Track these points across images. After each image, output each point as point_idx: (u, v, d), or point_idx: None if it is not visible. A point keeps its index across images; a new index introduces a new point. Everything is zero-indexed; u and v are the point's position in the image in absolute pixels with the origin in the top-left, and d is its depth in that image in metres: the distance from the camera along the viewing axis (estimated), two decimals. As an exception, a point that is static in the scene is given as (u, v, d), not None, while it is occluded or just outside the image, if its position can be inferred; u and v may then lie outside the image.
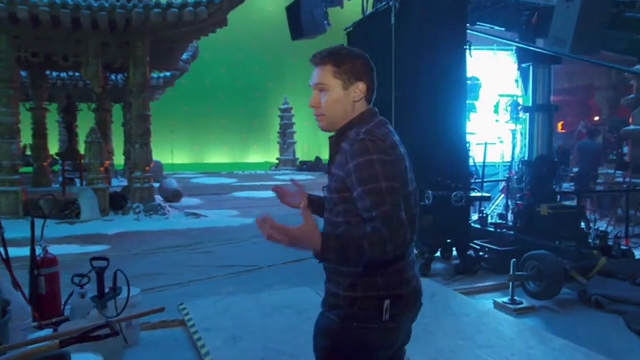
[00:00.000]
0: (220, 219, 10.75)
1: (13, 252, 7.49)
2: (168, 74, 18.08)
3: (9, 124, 9.83)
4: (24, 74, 14.96)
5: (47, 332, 3.49)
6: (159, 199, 11.59)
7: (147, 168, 10.70)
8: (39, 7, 9.01)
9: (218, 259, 7.13)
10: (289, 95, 28.40)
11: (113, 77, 14.22)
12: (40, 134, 13.16)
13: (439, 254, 6.54)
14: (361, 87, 1.77)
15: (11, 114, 9.82)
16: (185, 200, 14.08)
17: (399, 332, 1.77)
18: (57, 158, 12.64)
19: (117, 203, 10.58)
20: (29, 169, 14.48)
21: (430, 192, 6.16)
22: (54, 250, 7.92)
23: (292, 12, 9.93)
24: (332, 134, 1.83)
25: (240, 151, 33.63)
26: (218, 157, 32.95)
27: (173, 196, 13.79)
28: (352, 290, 1.71)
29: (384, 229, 1.54)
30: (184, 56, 15.90)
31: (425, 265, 6.11)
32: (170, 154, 28.35)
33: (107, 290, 3.83)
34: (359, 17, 8.22)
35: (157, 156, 26.66)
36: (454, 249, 6.59)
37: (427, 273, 6.05)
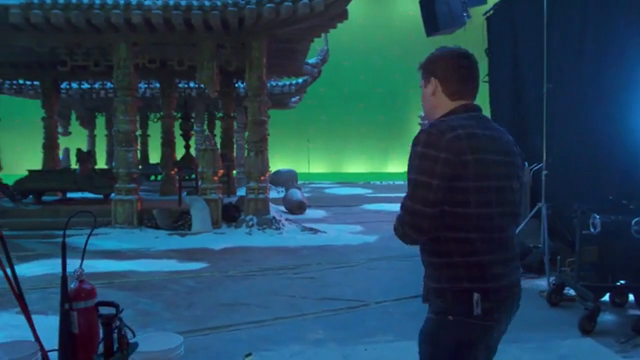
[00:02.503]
0: (339, 235, 9.57)
1: (108, 265, 7.04)
2: (300, 80, 17.52)
3: (127, 131, 9.63)
4: (157, 84, 15.40)
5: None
6: (276, 209, 10.77)
7: (263, 177, 9.90)
8: (152, 10, 8.64)
9: (320, 287, 5.93)
10: (430, 101, 26.64)
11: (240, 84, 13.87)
12: (168, 142, 13.16)
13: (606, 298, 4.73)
14: (434, 82, 1.85)
15: (128, 121, 9.61)
16: (310, 212, 13.19)
17: (494, 330, 1.77)
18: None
19: (230, 215, 9.92)
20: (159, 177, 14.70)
21: (597, 216, 4.38)
22: (149, 265, 7.38)
23: (426, 5, 8.78)
24: None
25: (378, 160, 32.47)
26: (356, 166, 32.13)
27: (297, 208, 12.98)
28: (439, 282, 1.77)
29: (402, 213, 1.77)
30: (312, 60, 15.13)
31: (588, 317, 4.33)
32: (307, 162, 28.05)
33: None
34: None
35: (293, 165, 26.61)
36: (630, 294, 4.75)
37: (590, 328, 4.29)
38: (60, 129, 19.67)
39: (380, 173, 29.90)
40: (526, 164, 6.76)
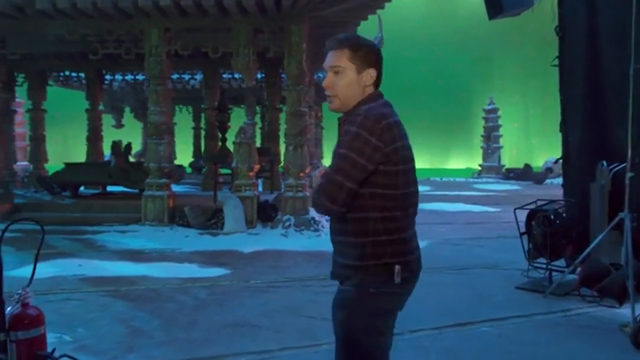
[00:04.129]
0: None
1: (122, 268, 6.43)
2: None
3: (158, 123, 9.05)
4: (198, 76, 14.91)
5: None
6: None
7: (302, 174, 9.09)
8: (181, -8, 7.99)
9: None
10: (495, 94, 25.06)
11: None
12: (212, 135, 12.61)
13: None
14: (372, 73, 1.95)
15: (159, 112, 9.03)
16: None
17: (404, 297, 2.01)
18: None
19: (265, 214, 9.17)
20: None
21: None
22: (166, 269, 6.61)
23: (489, -15, 7.66)
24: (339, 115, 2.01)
25: (439, 156, 31.01)
26: (416, 162, 30.88)
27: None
28: (361, 260, 1.90)
29: (323, 182, 1.87)
30: (365, 49, 14.18)
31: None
32: (364, 158, 27.09)
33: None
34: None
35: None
36: None
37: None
38: (113, 122, 19.77)
39: (441, 169, 28.45)
40: (604, 163, 5.58)
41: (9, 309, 2.71)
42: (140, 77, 14.96)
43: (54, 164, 12.75)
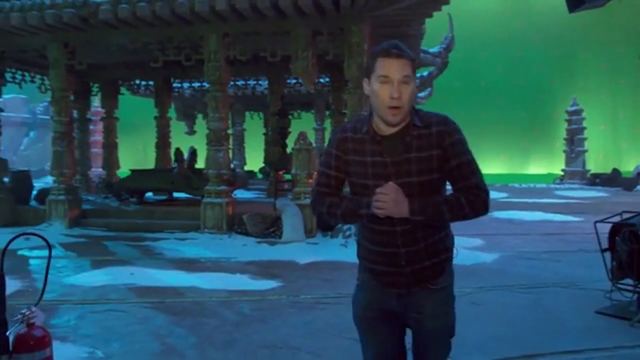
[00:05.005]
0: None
1: (173, 278, 6.28)
2: (424, 72, 16.03)
3: (217, 129, 8.96)
4: (263, 83, 14.84)
5: None
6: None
7: (363, 181, 8.66)
8: (236, -5, 7.84)
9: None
10: (579, 94, 23.48)
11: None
12: (274, 141, 12.46)
13: None
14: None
15: (219, 118, 8.93)
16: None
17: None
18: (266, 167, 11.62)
19: (325, 223, 8.81)
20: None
21: None
22: (217, 280, 6.39)
23: (569, -26, 6.97)
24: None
25: (518, 161, 29.54)
26: (492, 167, 29.46)
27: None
28: (449, 251, 2.15)
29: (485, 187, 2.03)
30: (435, 49, 13.58)
31: None
32: (437, 162, 26.24)
33: None
34: None
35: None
36: None
37: None
38: (186, 129, 20.21)
39: (520, 175, 27.08)
40: None
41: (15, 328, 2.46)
42: (206, 84, 15.12)
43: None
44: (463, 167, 1.93)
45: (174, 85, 15.54)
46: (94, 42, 9.30)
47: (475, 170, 1.95)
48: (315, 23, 8.50)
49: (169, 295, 5.55)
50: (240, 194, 13.64)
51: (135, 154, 23.82)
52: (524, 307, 5.09)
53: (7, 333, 2.33)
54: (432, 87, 19.37)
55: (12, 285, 5.89)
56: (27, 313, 2.59)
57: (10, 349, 2.30)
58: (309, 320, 4.75)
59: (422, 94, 20.37)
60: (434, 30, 13.81)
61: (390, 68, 1.85)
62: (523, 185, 24.31)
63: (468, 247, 8.44)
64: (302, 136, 8.79)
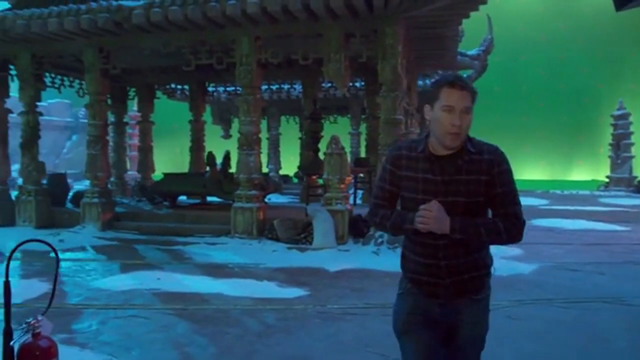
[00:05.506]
0: (487, 260, 7.69)
1: (199, 284, 6.19)
2: (463, 75, 15.63)
3: (248, 133, 8.87)
4: (298, 87, 14.72)
5: None
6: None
7: (396, 187, 8.42)
8: (267, -3, 7.74)
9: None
10: (626, 98, 22.55)
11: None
12: (308, 145, 12.32)
13: None
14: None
15: (250, 122, 8.84)
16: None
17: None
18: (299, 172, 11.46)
19: (357, 229, 8.62)
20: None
21: None
22: (243, 287, 6.24)
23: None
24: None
25: (560, 167, 28.61)
26: (533, 173, 28.64)
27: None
28: (489, 266, 2.30)
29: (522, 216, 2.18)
30: (473, 51, 13.22)
31: None
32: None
33: None
34: None
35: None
36: None
37: None
38: (222, 133, 20.30)
39: (562, 181, 26.18)
40: None
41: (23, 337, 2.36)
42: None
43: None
44: (506, 195, 2.10)
45: (210, 89, 15.62)
46: (128, 47, 9.37)
47: (517, 201, 2.12)
48: (347, 25, 8.33)
49: (193, 302, 5.45)
50: (274, 198, 13.55)
51: (174, 158, 24.10)
52: (564, 324, 4.77)
53: (12, 343, 2.23)
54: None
55: (39, 288, 5.92)
56: (32, 322, 2.47)
57: (15, 359, 2.20)
58: (333, 332, 4.57)
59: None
60: (473, 31, 13.45)
61: (454, 98, 2.03)
62: (565, 192, 23.53)
63: (505, 256, 8.08)
64: (334, 140, 8.61)
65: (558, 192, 23.78)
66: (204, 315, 5.01)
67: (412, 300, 2.23)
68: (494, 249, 7.02)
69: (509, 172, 2.11)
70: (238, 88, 14.20)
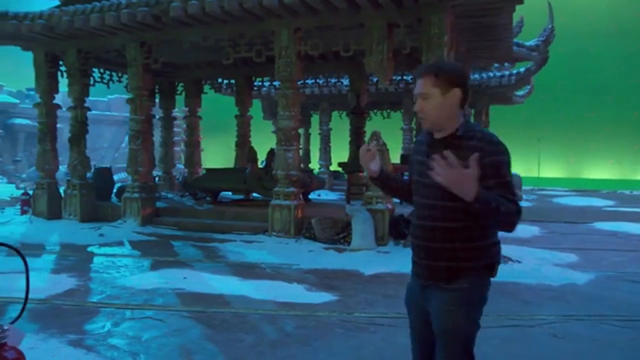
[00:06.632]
0: (538, 268, 7.03)
1: (225, 285, 5.95)
2: (521, 69, 14.83)
3: (287, 128, 8.59)
4: (345, 81, 14.32)
5: None
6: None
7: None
8: (308, -13, 7.41)
9: None
10: None
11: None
12: (352, 140, 11.95)
13: None
14: (457, 92, 2.14)
15: (288, 116, 8.56)
16: (518, 228, 10.62)
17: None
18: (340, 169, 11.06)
19: (398, 230, 8.19)
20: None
21: None
22: (271, 290, 5.91)
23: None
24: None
25: (629, 165, 26.84)
26: (599, 172, 27.02)
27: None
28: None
29: (517, 208, 2.07)
30: (531, 42, 12.41)
31: None
32: (536, 165, 24.42)
33: None
34: None
35: (518, 168, 23.35)
36: None
37: None
38: (272, 128, 20.18)
39: (631, 181, 24.55)
40: None
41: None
42: (310, 81, 14.93)
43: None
44: (501, 188, 2.05)
45: (259, 84, 15.47)
46: (169, 41, 9.28)
47: (512, 193, 2.07)
48: (391, 14, 7.89)
49: (213, 304, 5.22)
50: (324, 195, 13.24)
51: (225, 153, 24.25)
52: (616, 347, 4.20)
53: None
54: (531, 85, 17.95)
55: (65, 283, 5.86)
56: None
57: (-28, 372, 1.97)
58: (354, 345, 4.20)
59: (520, 92, 18.92)
60: (527, 19, 12.65)
61: (416, 86, 2.18)
62: (634, 193, 22.05)
63: (558, 263, 7.45)
64: (375, 136, 8.19)
65: (626, 192, 22.35)
66: (221, 320, 4.76)
67: (411, 278, 2.36)
68: (546, 254, 6.30)
69: (502, 164, 2.06)
70: (306, 81, 14.05)
